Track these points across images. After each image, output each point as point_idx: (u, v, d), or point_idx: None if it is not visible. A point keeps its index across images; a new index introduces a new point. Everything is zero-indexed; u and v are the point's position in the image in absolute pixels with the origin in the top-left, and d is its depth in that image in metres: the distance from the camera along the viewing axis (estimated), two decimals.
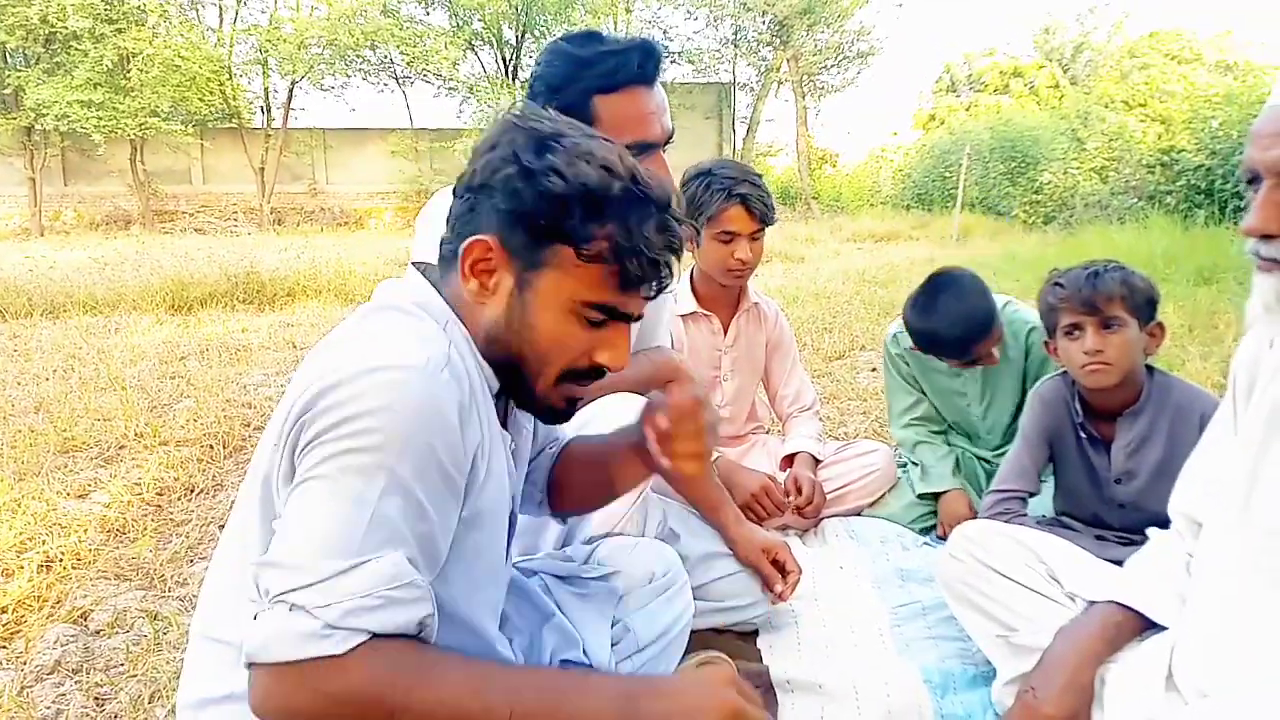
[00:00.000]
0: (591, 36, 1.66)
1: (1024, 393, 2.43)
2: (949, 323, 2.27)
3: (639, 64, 1.60)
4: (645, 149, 1.64)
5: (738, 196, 2.28)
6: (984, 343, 2.28)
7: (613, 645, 1.41)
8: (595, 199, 1.01)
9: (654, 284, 1.07)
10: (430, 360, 0.97)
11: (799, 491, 2.38)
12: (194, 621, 1.13)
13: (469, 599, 1.10)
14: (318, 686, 0.87)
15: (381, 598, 0.89)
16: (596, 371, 1.11)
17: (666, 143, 1.70)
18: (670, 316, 2.16)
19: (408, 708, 0.89)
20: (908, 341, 2.49)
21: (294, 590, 0.87)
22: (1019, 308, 2.50)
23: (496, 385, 1.12)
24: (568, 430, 1.43)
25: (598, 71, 1.60)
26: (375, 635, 0.88)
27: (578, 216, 1.01)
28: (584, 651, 1.34)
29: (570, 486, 1.39)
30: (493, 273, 1.06)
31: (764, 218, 2.32)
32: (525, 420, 1.25)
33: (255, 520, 1.04)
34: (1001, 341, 2.36)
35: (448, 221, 1.12)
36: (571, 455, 1.41)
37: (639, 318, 1.11)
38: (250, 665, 0.88)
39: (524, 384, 1.11)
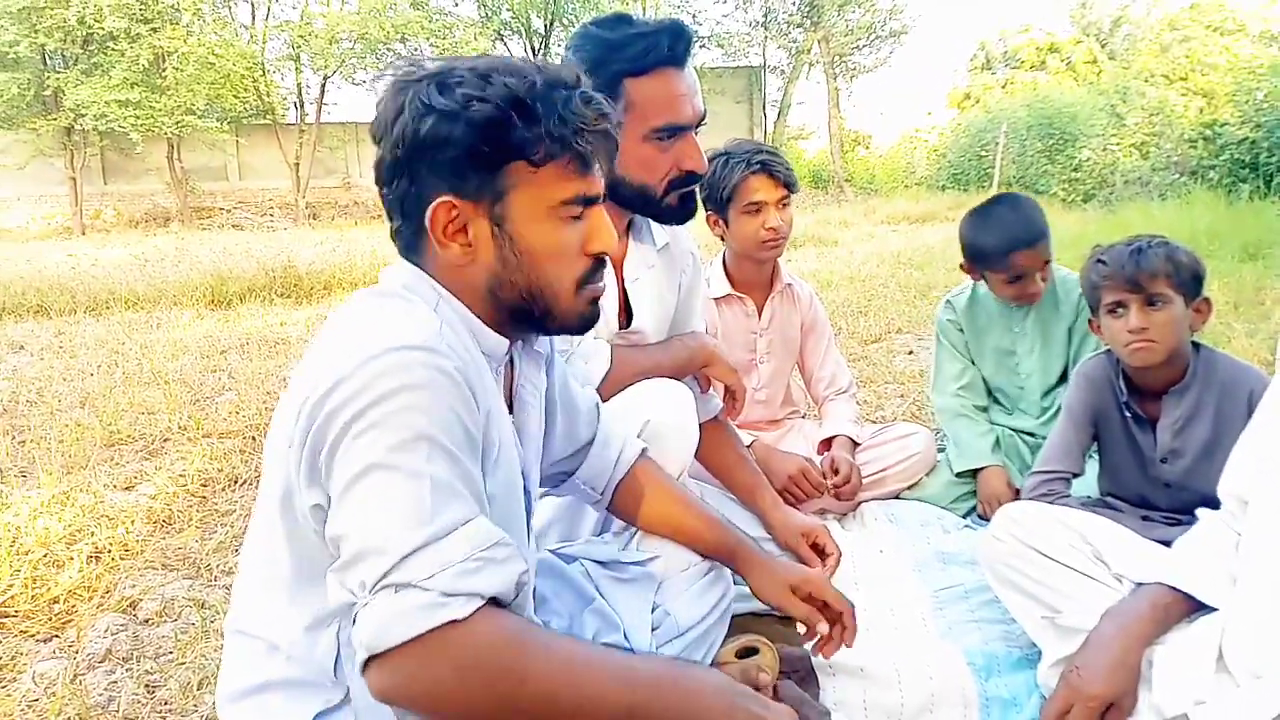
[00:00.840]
0: (621, 19, 1.66)
1: (1069, 358, 2.46)
2: (1000, 227, 2.37)
3: (669, 45, 1.60)
4: (677, 131, 1.64)
5: (758, 164, 2.31)
6: (1029, 253, 2.32)
7: (653, 630, 1.42)
8: (521, 104, 1.02)
9: (605, 155, 1.09)
10: (427, 338, 0.97)
11: (836, 473, 2.37)
12: (227, 618, 1.15)
13: None
14: (449, 655, 0.85)
15: (480, 559, 0.88)
16: (599, 266, 1.13)
17: (699, 125, 1.69)
18: (705, 301, 2.15)
19: (532, 675, 0.87)
20: (962, 305, 2.59)
21: (392, 570, 0.86)
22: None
23: (503, 350, 1.13)
24: (613, 425, 1.48)
25: (628, 54, 1.60)
26: (487, 602, 0.88)
27: (515, 129, 1.02)
28: (624, 636, 1.34)
29: (628, 511, 1.48)
30: (465, 228, 1.06)
31: (788, 183, 2.35)
32: (531, 398, 1.26)
33: (277, 520, 1.04)
34: (1048, 270, 2.39)
35: (387, 209, 1.12)
36: (640, 484, 1.46)
37: (605, 196, 1.13)
38: (369, 660, 0.86)
39: (549, 310, 1.11)
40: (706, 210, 2.42)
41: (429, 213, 1.05)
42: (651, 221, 1.89)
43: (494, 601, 0.90)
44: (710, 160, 2.35)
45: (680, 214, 1.74)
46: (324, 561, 0.96)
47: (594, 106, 1.06)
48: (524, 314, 1.12)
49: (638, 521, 1.50)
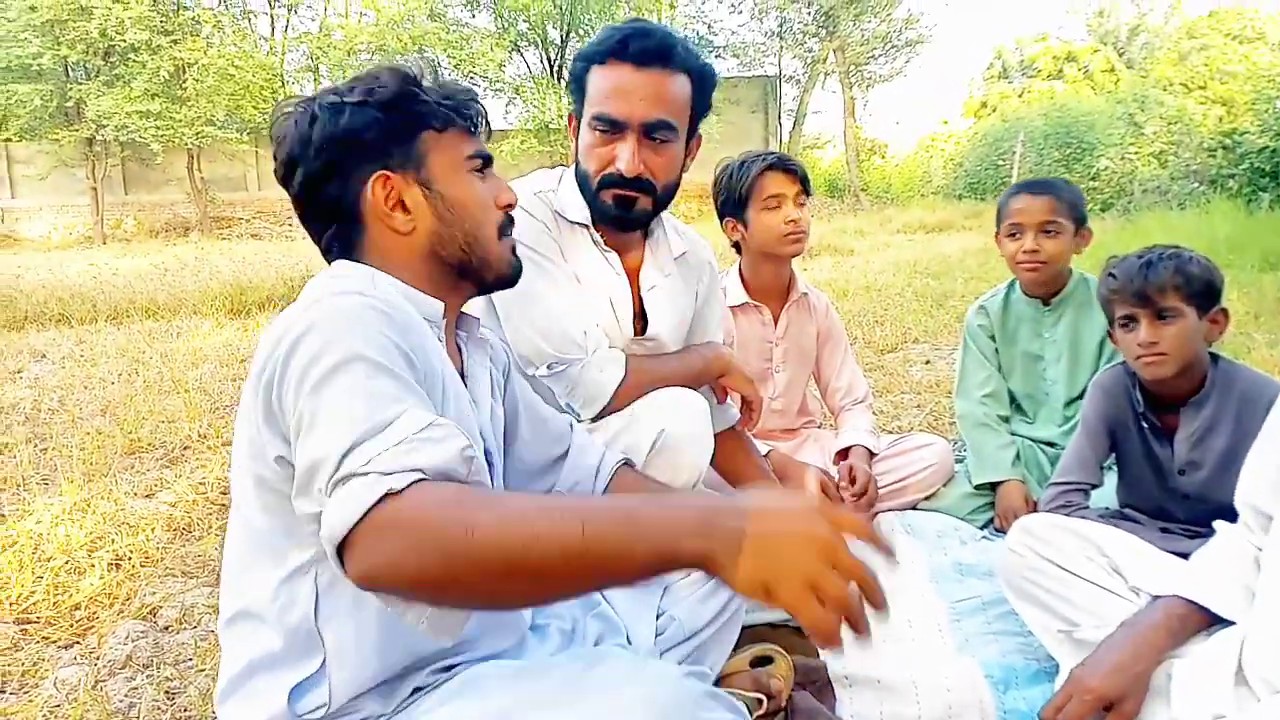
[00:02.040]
0: (632, 20, 1.74)
1: (1097, 369, 2.42)
2: (1021, 182, 2.56)
3: (621, 40, 1.66)
4: (611, 124, 1.67)
5: (775, 161, 2.38)
6: (1028, 200, 2.44)
7: (658, 635, 1.42)
8: (414, 81, 1.18)
9: (483, 123, 1.26)
10: (357, 287, 1.07)
11: (853, 483, 2.37)
12: (218, 622, 1.16)
13: None
14: (394, 525, 0.85)
15: (415, 440, 0.90)
16: (509, 219, 1.28)
17: (652, 133, 1.68)
18: (722, 311, 2.16)
19: (479, 525, 0.84)
20: (995, 308, 2.63)
21: (337, 468, 0.88)
22: None
23: (439, 312, 1.19)
24: (590, 440, 1.49)
25: (596, 42, 1.71)
26: (431, 478, 0.89)
27: (416, 100, 1.17)
28: (628, 640, 1.34)
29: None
30: (401, 200, 1.18)
31: (804, 179, 2.39)
32: (480, 373, 1.29)
33: (250, 491, 1.07)
34: (1059, 249, 2.43)
35: (316, 222, 1.21)
36: (625, 490, 1.45)
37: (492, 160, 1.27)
38: (338, 551, 0.87)
39: (484, 257, 1.24)
40: (723, 219, 2.44)
41: (367, 191, 1.16)
42: (669, 231, 1.90)
43: (445, 479, 0.91)
44: (724, 168, 2.40)
45: (613, 215, 1.74)
46: (293, 513, 0.98)
47: (458, 86, 1.23)
48: (464, 266, 1.23)
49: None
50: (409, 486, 0.86)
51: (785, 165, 2.37)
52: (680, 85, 1.70)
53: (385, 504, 0.86)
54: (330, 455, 0.89)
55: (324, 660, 1.04)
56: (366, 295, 1.04)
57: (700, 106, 1.77)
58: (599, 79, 1.69)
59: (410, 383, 0.98)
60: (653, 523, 0.85)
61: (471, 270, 1.24)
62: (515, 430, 1.38)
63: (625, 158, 1.68)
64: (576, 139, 1.77)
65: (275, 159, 1.20)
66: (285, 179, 1.19)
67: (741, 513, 0.84)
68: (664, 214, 1.87)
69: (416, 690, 1.08)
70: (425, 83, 1.20)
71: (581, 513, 0.86)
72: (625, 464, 1.48)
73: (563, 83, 21.52)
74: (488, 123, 1.27)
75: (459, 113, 1.20)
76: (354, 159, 1.16)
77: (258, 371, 1.02)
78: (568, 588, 0.91)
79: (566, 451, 1.44)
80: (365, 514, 0.85)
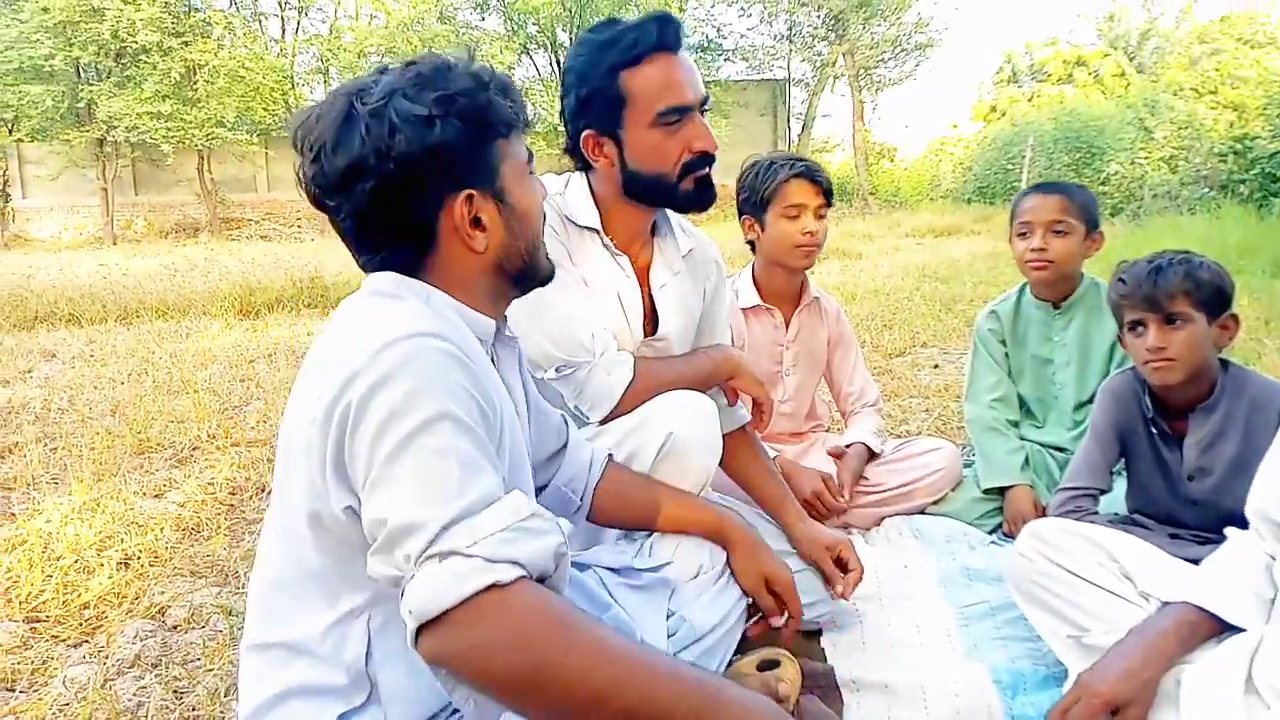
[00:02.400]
0: (611, 21, 1.72)
1: (1107, 373, 2.41)
2: (1037, 184, 2.57)
3: (658, 32, 1.64)
4: (682, 112, 1.66)
5: (801, 168, 2.34)
6: (1037, 199, 2.46)
7: (670, 636, 1.42)
8: (486, 84, 1.12)
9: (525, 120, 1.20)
10: (429, 325, 1.01)
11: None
12: (243, 639, 1.16)
13: None
14: (495, 617, 0.85)
15: (518, 530, 0.90)
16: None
17: (704, 107, 1.71)
18: (730, 312, 2.16)
19: (576, 648, 0.87)
20: (1006, 312, 2.62)
21: (434, 541, 0.87)
22: None
23: (491, 331, 1.18)
24: (579, 434, 1.52)
25: (619, 48, 1.65)
26: (527, 575, 0.89)
27: (493, 107, 1.11)
28: (640, 642, 1.34)
29: (612, 511, 1.51)
30: (478, 218, 1.12)
31: (827, 192, 2.36)
32: (512, 380, 1.28)
33: (301, 527, 1.04)
34: (1068, 251, 2.43)
35: (369, 241, 1.13)
36: (617, 483, 1.50)
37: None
38: (421, 629, 0.87)
39: (536, 261, 1.22)
40: (742, 215, 2.44)
41: (451, 211, 1.10)
42: (675, 228, 1.90)
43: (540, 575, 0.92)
44: (751, 165, 2.40)
45: (698, 200, 1.73)
46: (353, 558, 0.98)
47: (498, 75, 1.17)
48: (521, 275, 1.21)
49: (624, 520, 1.53)
50: (514, 582, 0.86)
51: (812, 175, 2.34)
52: None
53: (489, 594, 0.85)
54: (425, 524, 0.88)
55: (370, 693, 1.06)
56: (439, 337, 0.99)
57: None
58: (647, 77, 1.65)
59: (488, 445, 0.97)
60: (734, 710, 0.91)
61: (525, 277, 1.22)
62: (530, 420, 1.38)
63: (708, 137, 1.69)
64: (597, 155, 1.72)
65: (322, 163, 1.07)
66: (337, 188, 1.07)
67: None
68: (669, 211, 1.87)
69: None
70: (495, 83, 1.13)
71: (675, 673, 0.91)
72: (610, 460, 1.52)
73: None
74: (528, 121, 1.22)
75: (520, 112, 1.16)
76: (440, 176, 1.08)
77: (324, 413, 0.96)
78: None
79: (564, 446, 1.46)
80: (466, 599, 0.85)
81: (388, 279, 1.11)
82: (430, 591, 0.86)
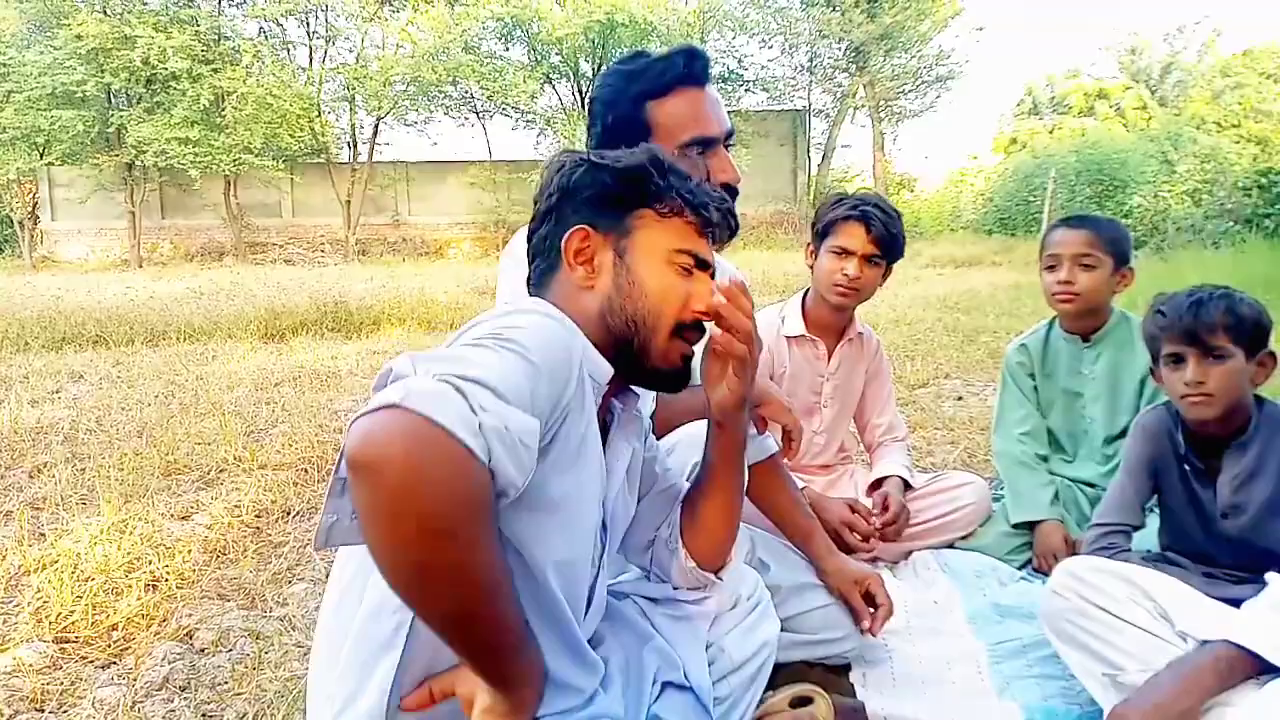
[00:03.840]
0: (639, 54, 1.75)
1: (1138, 408, 2.41)
2: (1068, 217, 2.57)
3: (685, 64, 1.67)
4: (706, 144, 1.69)
5: (860, 213, 2.31)
6: (1066, 234, 2.46)
7: (709, 665, 1.41)
8: (660, 164, 1.23)
9: (724, 229, 1.28)
10: (557, 314, 1.10)
11: (885, 510, 2.35)
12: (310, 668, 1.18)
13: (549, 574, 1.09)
14: (442, 461, 0.82)
15: (516, 443, 0.88)
16: (698, 326, 1.24)
17: (728, 140, 1.73)
18: (775, 339, 2.16)
19: (465, 543, 0.85)
20: (1035, 346, 2.62)
21: (466, 381, 0.86)
22: None
23: (606, 377, 1.17)
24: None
25: (647, 79, 1.68)
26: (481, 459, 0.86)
27: (650, 180, 1.22)
28: (684, 674, 1.34)
29: (696, 529, 1.42)
30: (593, 256, 1.22)
31: (882, 242, 2.32)
32: (623, 448, 1.27)
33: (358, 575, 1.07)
34: (1098, 285, 2.43)
35: (530, 253, 1.29)
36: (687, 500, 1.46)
37: (714, 270, 1.28)
38: (392, 406, 0.83)
39: (643, 346, 1.22)
40: (809, 241, 2.46)
41: (566, 237, 1.21)
42: None
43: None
44: (829, 196, 2.45)
45: (725, 223, 1.75)
46: None
47: (719, 192, 1.28)
48: (626, 344, 1.21)
49: (705, 536, 1.43)
50: (482, 460, 0.84)
51: (866, 220, 2.31)
52: None
53: (456, 447, 0.83)
54: (459, 360, 0.92)
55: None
56: (563, 324, 1.08)
57: None
58: (673, 108, 1.68)
59: (540, 394, 0.97)
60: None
61: (632, 352, 1.22)
62: (646, 491, 1.43)
63: (731, 169, 1.71)
64: None
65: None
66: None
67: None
68: None
69: None
70: (677, 175, 1.24)
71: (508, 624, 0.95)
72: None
73: None
74: (731, 233, 1.31)
75: (694, 208, 1.23)
76: (571, 208, 1.23)
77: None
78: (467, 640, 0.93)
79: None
80: (441, 428, 0.82)
81: (536, 301, 1.20)
82: (416, 390, 0.84)
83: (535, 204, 1.29)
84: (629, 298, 1.21)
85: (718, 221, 1.26)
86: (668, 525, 1.43)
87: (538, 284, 1.28)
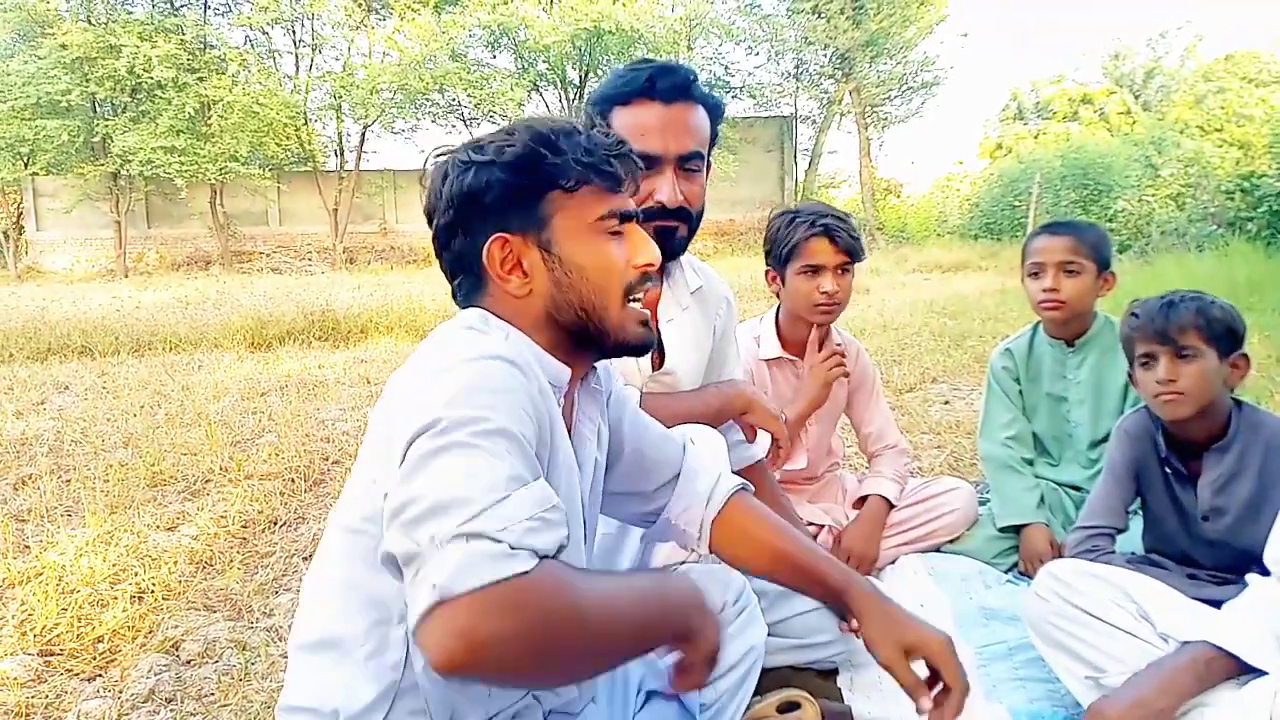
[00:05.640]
0: (643, 60, 1.79)
1: (1121, 412, 2.40)
2: (1049, 223, 2.59)
3: (647, 79, 1.72)
4: (649, 161, 1.69)
5: (821, 228, 2.27)
6: (1048, 240, 2.46)
7: None
8: (546, 139, 1.14)
9: (630, 175, 1.20)
10: (504, 351, 1.05)
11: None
12: (290, 639, 1.17)
13: None
14: (519, 605, 0.86)
15: (539, 520, 0.91)
16: (644, 278, 1.22)
17: (687, 162, 1.74)
18: (741, 350, 2.15)
19: (586, 616, 0.91)
20: (1020, 350, 2.63)
21: (466, 522, 0.88)
22: None
23: (566, 378, 1.18)
24: (706, 460, 1.49)
25: (617, 85, 1.75)
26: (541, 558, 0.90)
27: (544, 160, 1.13)
28: (669, 680, 1.34)
29: (729, 547, 1.42)
30: (520, 261, 1.16)
31: (850, 250, 2.30)
32: (589, 433, 1.27)
33: (363, 506, 1.07)
34: (1082, 291, 2.44)
35: (448, 271, 1.24)
36: (742, 517, 1.42)
37: (639, 216, 1.23)
38: (439, 604, 0.85)
39: (602, 324, 1.19)
40: (767, 266, 2.42)
41: (484, 253, 1.15)
42: (685, 266, 1.92)
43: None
44: (776, 217, 2.37)
45: (660, 245, 1.73)
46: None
47: (610, 136, 1.19)
48: (582, 333, 1.19)
49: (740, 560, 1.43)
50: (534, 570, 0.88)
51: (831, 234, 2.27)
52: (702, 116, 1.78)
53: (516, 580, 0.86)
54: (463, 505, 0.89)
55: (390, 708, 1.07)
56: (511, 363, 1.03)
57: (713, 136, 1.84)
58: (628, 119, 1.73)
59: (537, 468, 0.99)
60: (680, 605, 1.08)
61: (590, 337, 1.20)
62: (614, 460, 1.38)
63: (666, 189, 1.72)
64: None
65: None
66: (429, 224, 1.22)
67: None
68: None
69: None
70: (566, 141, 1.15)
71: (639, 596, 1.03)
72: (740, 490, 1.44)
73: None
74: (634, 178, 1.22)
75: (596, 170, 1.16)
76: (476, 217, 1.16)
77: (404, 433, 0.98)
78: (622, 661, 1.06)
79: (676, 475, 1.43)
80: (496, 582, 0.85)
81: (475, 314, 1.17)
82: (457, 569, 0.85)
83: (428, 215, 1.22)
84: (570, 289, 1.17)
85: (624, 168, 1.19)
86: (688, 511, 1.42)
87: (467, 299, 1.22)
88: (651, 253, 1.21)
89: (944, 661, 1.23)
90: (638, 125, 1.72)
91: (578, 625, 0.90)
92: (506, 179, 1.14)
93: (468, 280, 1.21)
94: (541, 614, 0.87)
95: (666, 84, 1.72)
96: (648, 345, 1.24)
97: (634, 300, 1.21)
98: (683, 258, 1.92)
